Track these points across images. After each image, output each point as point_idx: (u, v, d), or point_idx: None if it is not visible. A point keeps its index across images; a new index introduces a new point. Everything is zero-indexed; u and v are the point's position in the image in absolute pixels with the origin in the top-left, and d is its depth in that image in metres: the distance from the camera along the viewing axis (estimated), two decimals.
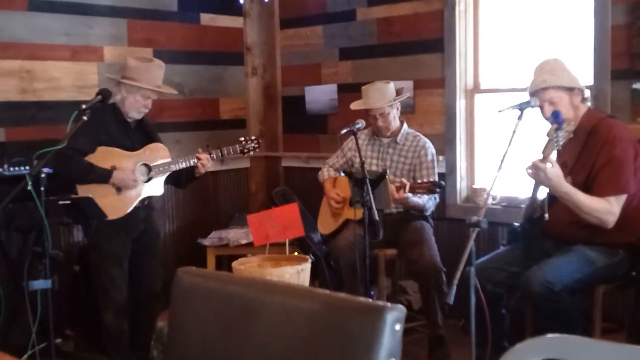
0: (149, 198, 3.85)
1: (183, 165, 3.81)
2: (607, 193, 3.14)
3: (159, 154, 3.82)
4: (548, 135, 3.08)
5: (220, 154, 3.95)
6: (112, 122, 3.73)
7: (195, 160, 3.82)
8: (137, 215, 3.79)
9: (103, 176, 3.64)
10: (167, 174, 3.82)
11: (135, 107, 3.73)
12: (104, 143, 3.69)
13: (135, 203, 3.74)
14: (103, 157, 3.67)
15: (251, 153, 4.16)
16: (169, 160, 3.82)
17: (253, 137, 4.17)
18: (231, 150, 4.02)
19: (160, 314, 3.40)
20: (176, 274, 1.69)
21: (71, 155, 3.55)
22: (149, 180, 3.78)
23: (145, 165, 3.77)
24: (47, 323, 3.37)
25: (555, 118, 3.07)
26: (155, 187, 3.82)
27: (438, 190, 3.81)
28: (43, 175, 3.30)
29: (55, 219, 3.94)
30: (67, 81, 4.59)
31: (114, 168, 3.66)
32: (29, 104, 4.44)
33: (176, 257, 4.99)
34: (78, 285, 4.39)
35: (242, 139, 4.14)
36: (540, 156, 3.09)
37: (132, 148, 3.77)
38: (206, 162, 3.84)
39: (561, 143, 3.06)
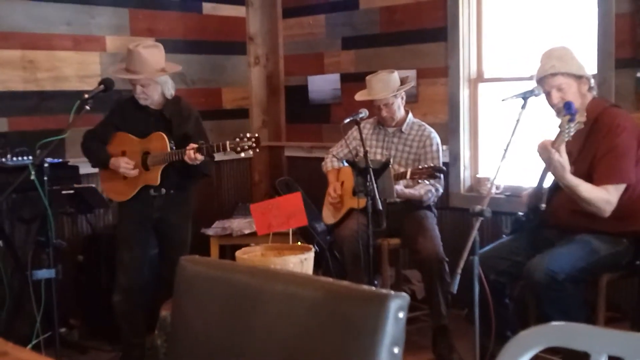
0: (168, 189, 3.78)
1: (175, 157, 3.61)
2: (605, 181, 3.12)
3: (160, 144, 3.72)
4: (560, 127, 2.98)
5: (209, 151, 3.55)
6: (132, 108, 3.80)
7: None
8: (151, 204, 3.79)
9: (102, 160, 3.81)
10: (164, 165, 3.69)
11: (136, 95, 3.74)
12: (121, 129, 3.82)
13: (141, 190, 3.75)
14: (117, 142, 3.83)
15: (243, 155, 3.59)
16: (167, 151, 3.67)
17: (249, 135, 3.52)
18: (221, 148, 3.53)
19: (164, 303, 3.40)
20: (179, 263, 1.68)
21: (86, 139, 3.84)
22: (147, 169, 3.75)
23: (147, 153, 3.76)
24: (51, 312, 3.38)
25: (568, 109, 2.95)
26: (152, 177, 3.73)
27: (439, 175, 3.80)
28: (46, 165, 3.30)
29: (59, 209, 3.96)
30: (70, 71, 4.59)
31: (124, 153, 3.77)
32: (32, 93, 4.44)
33: None
34: (82, 274, 4.41)
35: (241, 135, 3.53)
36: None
37: (146, 135, 3.76)
38: (193, 159, 3.55)
39: (572, 134, 3.00)
